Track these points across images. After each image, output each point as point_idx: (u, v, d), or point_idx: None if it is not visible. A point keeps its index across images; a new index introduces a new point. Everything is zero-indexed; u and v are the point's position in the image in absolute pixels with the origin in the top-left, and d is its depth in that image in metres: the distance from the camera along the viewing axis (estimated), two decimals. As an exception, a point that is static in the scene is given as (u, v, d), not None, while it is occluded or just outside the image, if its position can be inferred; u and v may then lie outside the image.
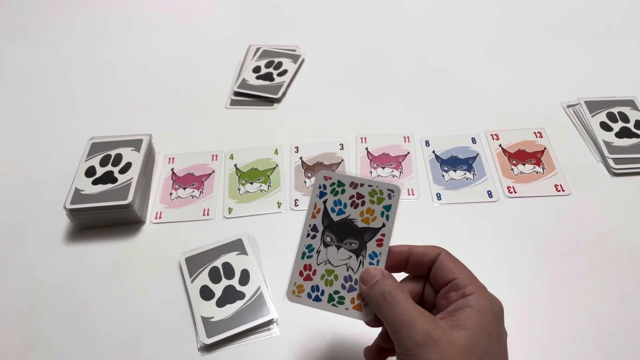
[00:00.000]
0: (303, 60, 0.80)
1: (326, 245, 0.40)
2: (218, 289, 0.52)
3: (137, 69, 0.81)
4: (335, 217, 0.40)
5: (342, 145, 0.67)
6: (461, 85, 0.75)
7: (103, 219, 0.58)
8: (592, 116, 0.67)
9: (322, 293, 0.39)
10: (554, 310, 0.50)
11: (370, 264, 0.39)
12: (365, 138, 0.67)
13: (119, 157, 0.61)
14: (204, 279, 0.53)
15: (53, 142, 0.70)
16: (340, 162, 0.65)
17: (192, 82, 0.78)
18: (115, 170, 0.60)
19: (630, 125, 0.66)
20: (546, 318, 0.49)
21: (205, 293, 0.52)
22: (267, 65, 0.79)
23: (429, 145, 0.66)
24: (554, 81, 0.75)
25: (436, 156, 0.65)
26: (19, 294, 0.54)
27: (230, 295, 0.51)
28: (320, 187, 0.41)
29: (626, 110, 0.68)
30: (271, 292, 0.52)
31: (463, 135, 0.67)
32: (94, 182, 0.59)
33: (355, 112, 0.72)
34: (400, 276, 0.40)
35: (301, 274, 0.40)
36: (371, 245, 0.39)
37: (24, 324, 0.52)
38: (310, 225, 0.41)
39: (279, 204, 0.61)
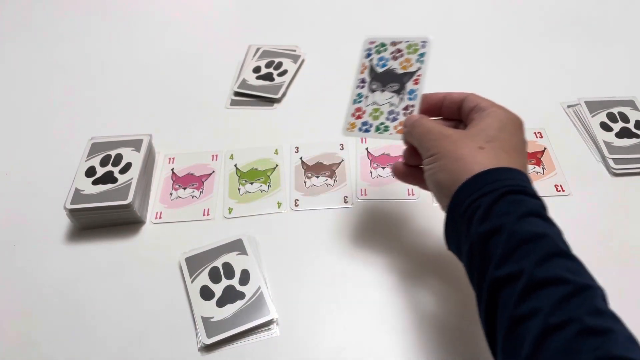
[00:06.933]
0: (303, 60, 0.80)
1: (373, 91, 0.50)
2: (218, 289, 0.52)
3: (138, 69, 0.81)
4: (379, 70, 0.50)
5: (342, 145, 0.67)
6: (461, 85, 0.74)
7: (103, 219, 0.58)
8: (592, 116, 0.67)
9: (371, 126, 0.49)
10: (554, 311, 0.50)
11: (409, 98, 0.48)
12: (365, 138, 0.67)
13: (119, 157, 0.61)
14: (204, 279, 0.53)
15: (53, 142, 0.70)
16: (340, 162, 0.65)
17: (192, 82, 0.78)
18: (116, 170, 0.60)
19: (630, 126, 0.66)
20: (546, 318, 0.49)
21: (206, 293, 0.52)
22: (267, 65, 0.79)
23: (429, 146, 0.66)
24: (554, 81, 0.75)
25: (436, 156, 0.65)
26: (19, 293, 0.54)
27: (231, 295, 0.51)
28: (366, 50, 0.52)
29: (626, 110, 0.68)
30: (271, 292, 0.52)
31: (463, 136, 0.67)
32: (94, 182, 0.59)
33: (356, 112, 0.72)
34: None
35: (353, 115, 0.50)
36: (409, 85, 0.48)
37: (23, 323, 0.52)
38: (359, 79, 0.51)
39: (279, 204, 0.61)
